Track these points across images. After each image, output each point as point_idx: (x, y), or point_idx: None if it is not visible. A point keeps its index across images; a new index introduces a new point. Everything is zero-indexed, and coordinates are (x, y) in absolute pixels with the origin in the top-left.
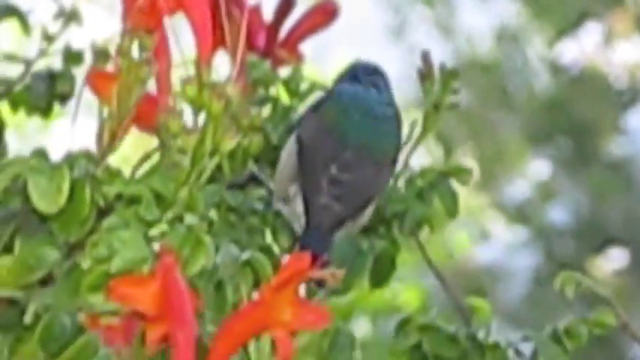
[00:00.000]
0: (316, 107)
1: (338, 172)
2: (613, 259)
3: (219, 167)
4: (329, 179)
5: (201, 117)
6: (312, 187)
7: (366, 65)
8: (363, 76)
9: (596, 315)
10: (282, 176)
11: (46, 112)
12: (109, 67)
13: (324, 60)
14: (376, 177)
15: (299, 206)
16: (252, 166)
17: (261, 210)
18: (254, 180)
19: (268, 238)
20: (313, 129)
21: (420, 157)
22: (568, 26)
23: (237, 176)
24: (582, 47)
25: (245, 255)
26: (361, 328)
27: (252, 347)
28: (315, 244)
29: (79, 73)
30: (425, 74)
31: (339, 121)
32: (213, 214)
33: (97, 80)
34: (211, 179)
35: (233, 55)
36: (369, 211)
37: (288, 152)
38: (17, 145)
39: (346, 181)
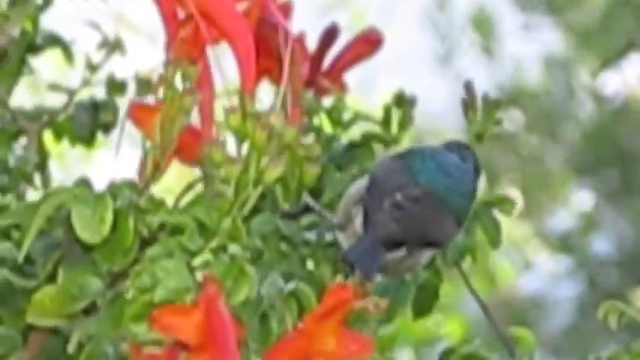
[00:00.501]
0: (395, 155)
1: (402, 199)
2: None
3: (272, 197)
4: (392, 203)
5: (245, 147)
6: (374, 205)
7: (458, 141)
8: (453, 146)
9: (639, 345)
10: (347, 201)
11: (89, 141)
12: (152, 98)
13: (371, 89)
14: (440, 224)
15: (358, 223)
16: (306, 197)
17: (314, 240)
18: (308, 210)
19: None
20: (387, 166)
21: None
22: (612, 56)
23: (291, 206)
24: (625, 78)
25: (290, 286)
26: (404, 358)
27: None
28: (360, 255)
29: (123, 102)
30: (468, 104)
31: (414, 165)
32: (264, 243)
33: (138, 112)
34: (262, 209)
35: (288, 87)
36: (426, 256)
37: (358, 184)
38: (59, 175)
39: (409, 209)
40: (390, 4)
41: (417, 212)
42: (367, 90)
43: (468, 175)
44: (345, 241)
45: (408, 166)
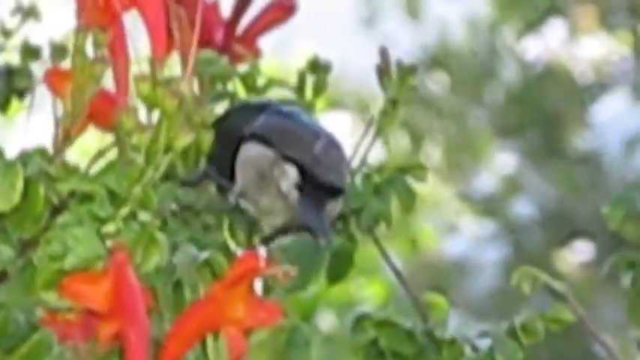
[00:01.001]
0: (258, 109)
1: (325, 147)
2: (579, 252)
3: (172, 165)
4: (320, 150)
5: (155, 115)
6: (305, 157)
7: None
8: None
9: (553, 310)
10: (253, 165)
11: (3, 107)
12: (67, 64)
13: (291, 52)
14: (346, 167)
15: (286, 184)
16: (204, 165)
17: (218, 207)
18: (207, 177)
19: (224, 235)
20: (279, 124)
21: (384, 148)
22: (535, 19)
23: (190, 174)
24: (547, 42)
25: (203, 254)
26: (326, 322)
27: (209, 345)
28: (315, 219)
29: (37, 68)
30: (383, 70)
31: (303, 118)
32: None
33: (53, 78)
34: (165, 177)
35: (183, 53)
36: (339, 205)
37: (251, 147)
38: None
39: (334, 155)
40: None
41: (339, 158)
42: (287, 52)
43: None
44: (265, 205)
45: (297, 119)
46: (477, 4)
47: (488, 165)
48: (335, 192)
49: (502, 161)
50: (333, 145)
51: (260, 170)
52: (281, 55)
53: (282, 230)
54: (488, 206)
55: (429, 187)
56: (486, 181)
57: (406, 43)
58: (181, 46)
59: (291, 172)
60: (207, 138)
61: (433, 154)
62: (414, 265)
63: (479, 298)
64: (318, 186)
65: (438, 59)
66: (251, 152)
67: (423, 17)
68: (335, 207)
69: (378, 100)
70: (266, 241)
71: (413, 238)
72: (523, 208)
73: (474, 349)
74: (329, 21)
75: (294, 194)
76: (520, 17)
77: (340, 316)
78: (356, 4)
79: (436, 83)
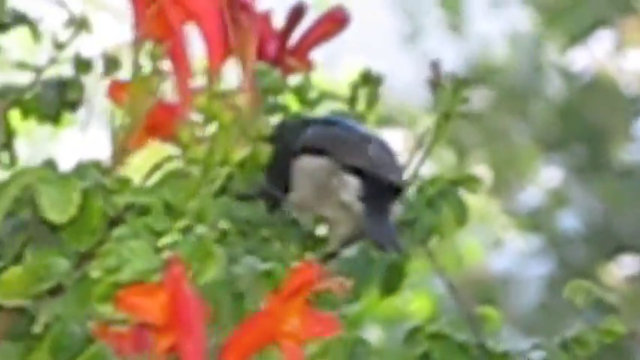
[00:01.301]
0: (303, 123)
1: (377, 148)
2: (625, 266)
3: (229, 179)
4: (374, 152)
5: (211, 127)
6: (362, 161)
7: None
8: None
9: (605, 323)
10: (311, 178)
11: (56, 119)
12: (121, 76)
13: (336, 66)
14: (400, 166)
15: (348, 194)
16: (261, 178)
17: (274, 220)
18: (264, 192)
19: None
20: (324, 133)
21: (431, 164)
22: (580, 33)
23: (247, 186)
24: (593, 54)
25: (264, 265)
26: (373, 335)
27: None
28: (386, 234)
29: (89, 81)
30: (435, 83)
31: (347, 124)
32: (226, 224)
33: (117, 91)
34: (224, 190)
35: (242, 64)
36: (397, 208)
37: (307, 161)
38: (27, 153)
39: (387, 155)
40: None
41: (393, 156)
42: (333, 67)
43: None
44: (328, 216)
45: (344, 126)
46: (519, 19)
47: (534, 179)
48: (396, 191)
49: (547, 175)
50: (384, 146)
51: (318, 182)
52: (327, 69)
53: (349, 241)
54: (534, 221)
55: (474, 202)
56: (531, 195)
57: (449, 59)
58: (241, 56)
59: (352, 182)
60: (264, 150)
61: (478, 169)
62: (459, 280)
63: (524, 312)
64: (380, 189)
65: (481, 75)
66: (306, 165)
67: (466, 33)
68: (397, 209)
69: (423, 115)
70: (331, 256)
71: (458, 253)
72: (568, 222)
73: None
74: (371, 37)
75: (358, 204)
76: (564, 31)
77: (386, 331)
78: (398, 21)
79: (480, 99)
